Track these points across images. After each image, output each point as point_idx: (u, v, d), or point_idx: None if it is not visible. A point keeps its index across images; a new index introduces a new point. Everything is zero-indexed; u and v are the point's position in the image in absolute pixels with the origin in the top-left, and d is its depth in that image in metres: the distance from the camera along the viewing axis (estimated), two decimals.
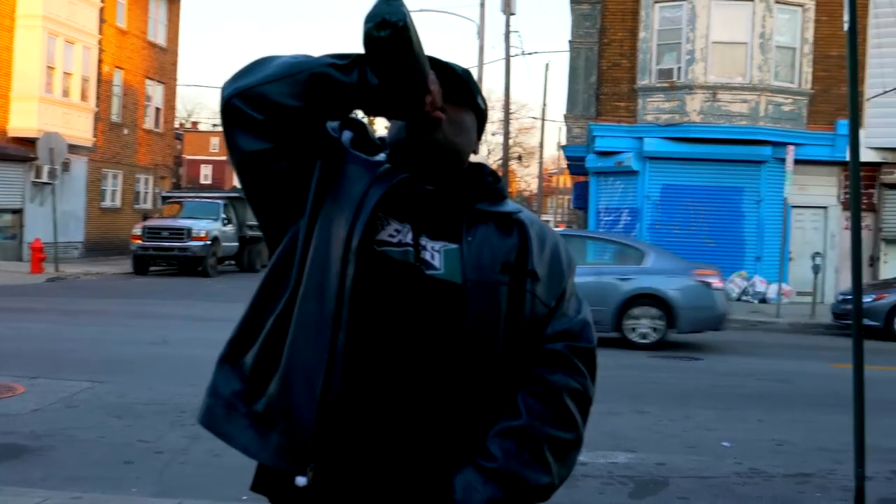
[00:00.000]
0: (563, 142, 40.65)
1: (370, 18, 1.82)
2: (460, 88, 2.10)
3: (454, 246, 2.03)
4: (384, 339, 1.96)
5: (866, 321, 13.74)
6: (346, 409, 1.95)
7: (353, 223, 1.97)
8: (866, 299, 15.73)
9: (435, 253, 2.03)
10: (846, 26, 5.94)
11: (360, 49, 1.90)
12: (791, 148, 20.69)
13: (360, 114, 2.13)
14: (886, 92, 22.12)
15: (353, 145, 2.13)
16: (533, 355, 2.09)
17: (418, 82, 1.91)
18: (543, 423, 2.01)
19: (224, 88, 2.00)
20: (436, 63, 2.04)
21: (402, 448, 1.96)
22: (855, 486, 5.83)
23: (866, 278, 20.34)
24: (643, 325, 14.24)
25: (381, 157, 2.12)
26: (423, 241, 2.03)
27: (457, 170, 2.13)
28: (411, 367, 1.96)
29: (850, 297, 13.94)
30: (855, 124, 5.82)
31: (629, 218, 24.08)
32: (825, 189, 24.00)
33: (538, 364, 2.07)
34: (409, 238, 2.02)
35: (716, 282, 14.36)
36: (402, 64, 1.85)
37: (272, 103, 1.93)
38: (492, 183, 2.16)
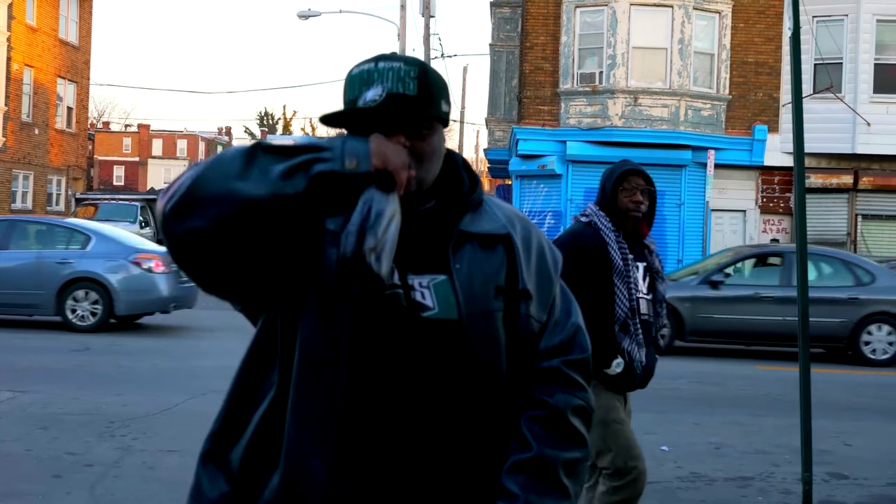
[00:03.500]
0: (483, 144, 40.80)
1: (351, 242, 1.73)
2: (422, 117, 1.89)
3: (442, 277, 1.90)
4: (392, 400, 1.85)
5: None
6: (361, 482, 1.86)
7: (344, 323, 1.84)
8: None
9: (424, 290, 1.89)
10: (790, 33, 5.98)
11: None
12: (712, 152, 21.05)
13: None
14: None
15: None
16: (529, 375, 1.99)
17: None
18: (553, 449, 1.94)
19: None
20: (396, 100, 1.84)
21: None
22: (802, 489, 5.88)
23: None
24: (83, 307, 14.36)
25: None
26: (410, 279, 1.88)
27: (430, 188, 1.95)
28: (421, 418, 1.86)
29: None
30: (800, 130, 5.86)
31: (553, 221, 24.20)
32: (743, 193, 24.44)
33: (536, 384, 1.99)
34: (395, 278, 1.87)
35: (157, 266, 14.53)
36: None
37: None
38: (469, 193, 2.00)
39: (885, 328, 14.29)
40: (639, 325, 4.37)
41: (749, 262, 15.99)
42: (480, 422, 1.91)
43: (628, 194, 4.42)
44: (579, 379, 2.03)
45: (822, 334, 13.57)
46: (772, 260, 15.82)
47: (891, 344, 14.26)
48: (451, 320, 1.88)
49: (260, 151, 1.75)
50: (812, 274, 14.07)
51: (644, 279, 4.48)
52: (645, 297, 4.46)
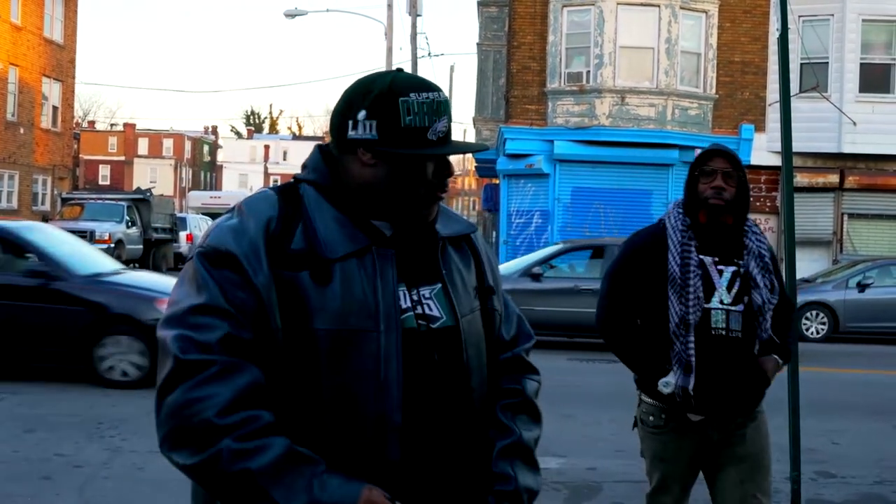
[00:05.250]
0: None
1: None
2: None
3: (438, 286, 2.01)
4: (421, 409, 1.95)
5: None
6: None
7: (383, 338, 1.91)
8: None
9: (428, 301, 1.99)
10: (777, 34, 6.01)
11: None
12: (699, 151, 21.05)
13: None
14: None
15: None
16: (497, 363, 2.14)
17: None
18: (527, 431, 2.12)
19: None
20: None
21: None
22: (791, 488, 5.91)
23: None
24: None
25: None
26: (415, 293, 1.99)
27: None
28: (441, 422, 1.97)
29: None
30: (787, 129, 5.89)
31: (540, 220, 24.24)
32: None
33: (503, 373, 2.14)
34: (408, 301, 1.96)
35: None
36: None
37: None
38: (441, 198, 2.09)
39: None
40: (688, 343, 3.61)
41: (577, 255, 16.30)
42: (477, 415, 2.04)
43: (707, 179, 3.71)
44: (532, 363, 2.21)
45: None
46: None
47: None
48: (452, 326, 1.99)
49: None
50: None
51: (732, 286, 3.69)
52: (723, 307, 3.67)
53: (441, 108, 1.94)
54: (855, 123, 23.28)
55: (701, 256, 3.69)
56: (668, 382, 3.66)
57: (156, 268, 30.17)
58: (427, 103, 1.92)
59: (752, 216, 3.85)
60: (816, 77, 23.28)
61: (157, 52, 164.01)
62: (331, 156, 2.01)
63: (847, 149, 23.56)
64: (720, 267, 3.71)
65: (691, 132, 23.81)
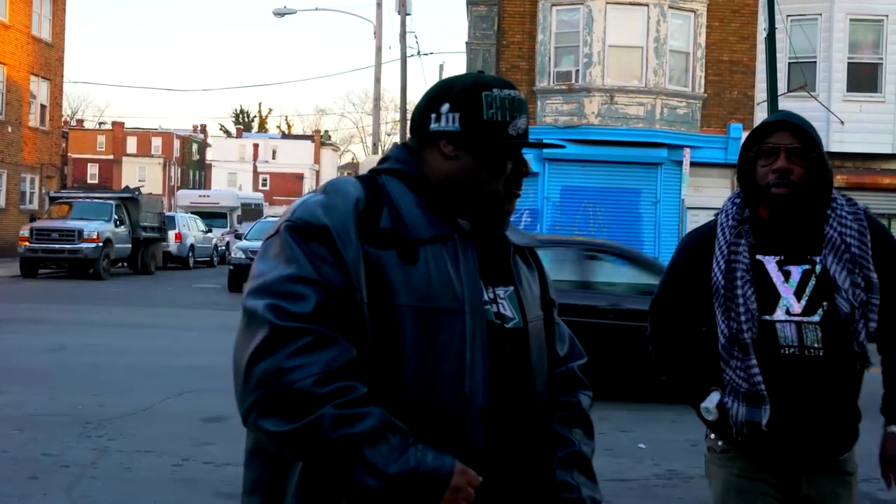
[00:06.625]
0: None
1: None
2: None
3: (511, 289, 2.06)
4: (502, 402, 1.97)
5: None
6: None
7: (465, 322, 1.93)
8: None
9: (503, 301, 2.03)
10: (765, 34, 6.03)
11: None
12: (687, 150, 21.16)
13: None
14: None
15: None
16: (552, 377, 2.17)
17: None
18: (585, 443, 2.16)
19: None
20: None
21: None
22: None
23: None
24: None
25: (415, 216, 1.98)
26: (493, 291, 2.03)
27: None
28: (507, 419, 1.98)
29: None
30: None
31: (529, 219, 24.26)
32: (718, 191, 24.53)
33: (560, 387, 2.19)
34: (486, 296, 2.00)
35: None
36: None
37: None
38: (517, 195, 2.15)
39: None
40: (750, 367, 2.83)
41: None
42: (542, 417, 2.08)
43: (767, 160, 2.85)
44: (586, 380, 2.26)
45: None
46: None
47: None
48: (521, 328, 2.04)
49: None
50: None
51: (803, 290, 2.85)
52: (792, 319, 2.84)
53: (521, 105, 2.01)
54: (843, 122, 23.37)
55: (759, 257, 2.89)
56: (709, 409, 2.90)
57: (144, 267, 30.13)
58: (508, 99, 1.99)
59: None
60: (804, 76, 23.37)
61: (145, 50, 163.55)
62: (413, 150, 2.06)
63: (835, 148, 23.64)
64: (787, 268, 2.88)
65: (680, 131, 23.86)
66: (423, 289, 1.89)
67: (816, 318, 2.82)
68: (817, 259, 2.86)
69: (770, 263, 2.88)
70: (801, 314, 2.83)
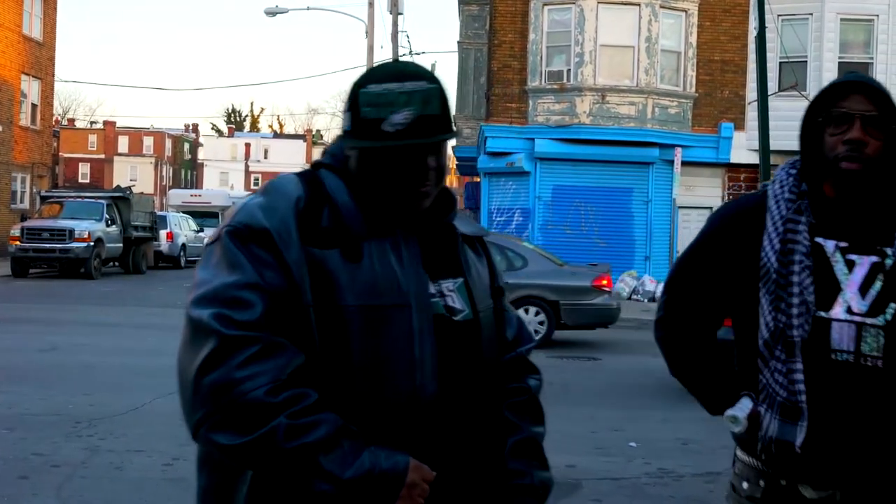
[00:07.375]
0: (451, 142, 40.77)
1: None
2: (445, 134, 1.94)
3: (461, 280, 2.04)
4: (452, 394, 1.96)
5: None
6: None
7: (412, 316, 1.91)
8: None
9: (451, 294, 2.02)
10: (755, 33, 6.04)
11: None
12: (679, 150, 21.20)
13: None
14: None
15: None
16: (501, 363, 2.15)
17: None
18: (535, 427, 2.16)
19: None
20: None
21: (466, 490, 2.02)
22: None
23: None
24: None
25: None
26: (440, 284, 2.01)
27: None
28: (459, 411, 1.98)
29: None
30: (765, 128, 5.92)
31: (521, 218, 24.27)
32: (710, 190, 24.63)
33: (509, 372, 2.16)
34: (433, 290, 1.98)
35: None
36: None
37: None
38: (452, 197, 2.09)
39: (533, 310, 14.46)
40: (793, 372, 2.29)
41: None
42: (490, 410, 2.07)
43: (839, 128, 2.35)
44: (534, 363, 2.25)
45: None
46: None
47: (541, 324, 14.47)
48: (472, 320, 2.02)
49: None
50: None
51: (869, 285, 2.31)
52: (852, 319, 2.30)
53: (402, 98, 1.87)
54: None
55: (819, 240, 2.35)
56: (737, 418, 2.33)
57: (135, 266, 30.08)
58: (384, 94, 1.88)
59: None
60: (795, 76, 23.41)
61: (137, 49, 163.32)
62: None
63: None
64: (851, 256, 2.34)
65: (671, 130, 23.90)
66: (369, 286, 1.86)
67: (880, 320, 2.29)
68: (888, 251, 2.33)
69: (831, 249, 2.35)
70: (865, 314, 2.30)
